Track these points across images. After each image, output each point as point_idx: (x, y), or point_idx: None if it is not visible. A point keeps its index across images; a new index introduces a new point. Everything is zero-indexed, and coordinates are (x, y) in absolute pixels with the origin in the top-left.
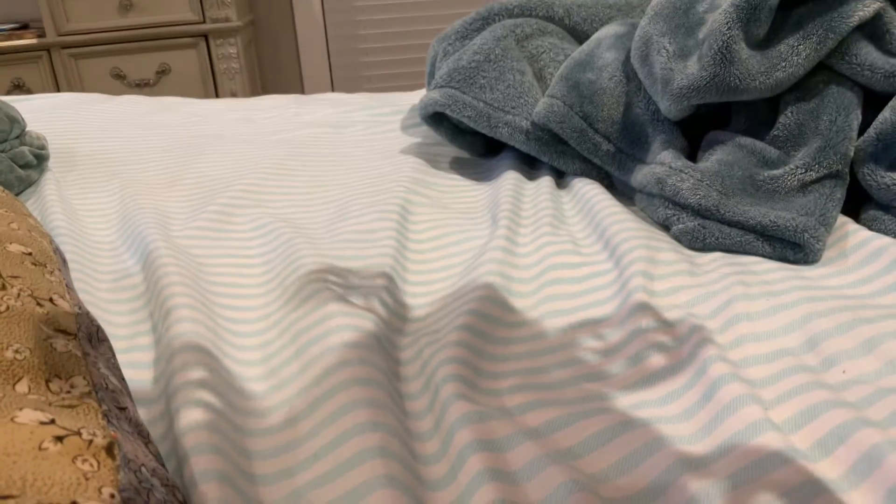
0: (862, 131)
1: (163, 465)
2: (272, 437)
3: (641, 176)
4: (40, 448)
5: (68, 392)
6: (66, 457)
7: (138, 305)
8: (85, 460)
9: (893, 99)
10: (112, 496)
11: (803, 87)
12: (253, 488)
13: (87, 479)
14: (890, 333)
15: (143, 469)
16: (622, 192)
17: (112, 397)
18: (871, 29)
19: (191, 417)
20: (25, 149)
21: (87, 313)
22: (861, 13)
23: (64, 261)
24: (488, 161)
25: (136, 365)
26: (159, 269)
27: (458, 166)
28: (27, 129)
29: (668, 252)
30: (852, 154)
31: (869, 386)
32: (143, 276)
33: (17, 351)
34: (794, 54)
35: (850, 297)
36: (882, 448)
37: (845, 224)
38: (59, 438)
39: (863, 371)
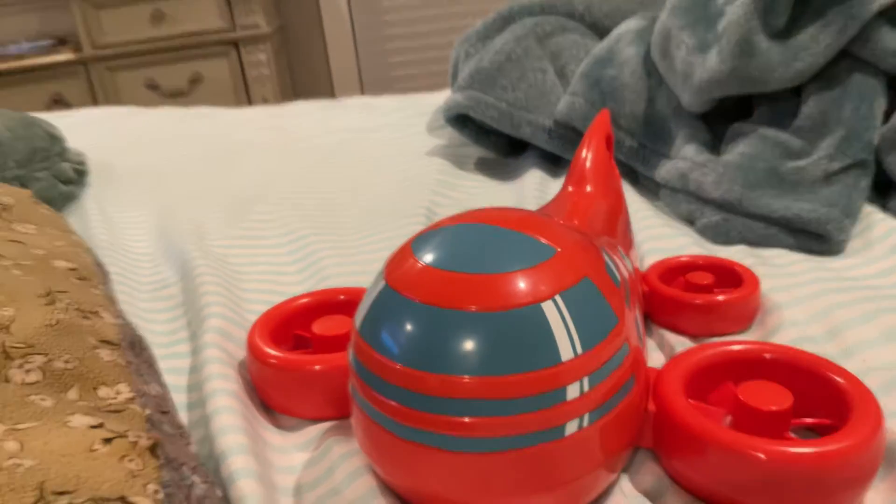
0: (887, 118)
1: (202, 465)
2: (295, 454)
3: (665, 171)
4: (91, 449)
5: (114, 398)
6: (114, 457)
7: (177, 314)
8: (131, 460)
9: None
10: (156, 491)
11: (825, 75)
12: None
13: (133, 476)
14: None
15: (183, 468)
16: (647, 187)
17: (155, 402)
18: (894, 14)
19: (223, 422)
20: (66, 165)
21: (129, 324)
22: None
23: (106, 274)
24: (513, 160)
25: (176, 371)
26: (196, 278)
27: (484, 167)
28: (67, 145)
29: (693, 247)
30: (877, 142)
31: (888, 372)
32: (181, 286)
33: (66, 361)
34: (815, 43)
35: (874, 288)
36: None
37: (871, 213)
38: (108, 440)
39: (884, 360)
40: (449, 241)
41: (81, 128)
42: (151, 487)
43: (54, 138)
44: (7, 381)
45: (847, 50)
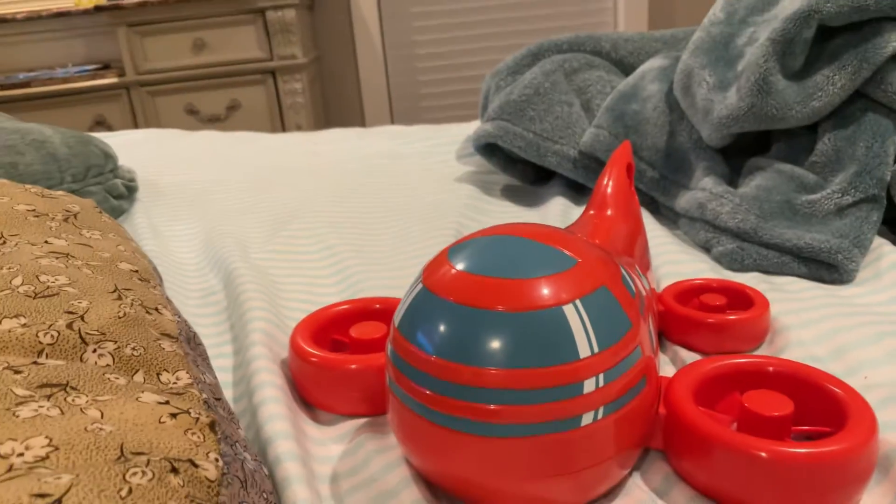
0: None
1: (251, 446)
2: (332, 446)
3: (684, 201)
4: (160, 421)
5: (175, 383)
6: (179, 429)
7: (222, 319)
8: (194, 433)
9: None
10: (217, 460)
11: (840, 114)
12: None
13: (196, 446)
14: None
15: (237, 445)
16: (666, 216)
17: (209, 389)
18: None
19: (271, 410)
20: (118, 181)
21: (185, 321)
22: (895, 44)
23: (160, 279)
24: (539, 188)
25: (223, 369)
26: (239, 286)
27: (510, 193)
28: (119, 163)
29: (708, 273)
30: (888, 178)
31: (889, 388)
32: (226, 294)
33: (133, 349)
34: (830, 84)
35: (881, 314)
36: (894, 453)
37: (882, 245)
38: (174, 415)
39: (886, 378)
40: (481, 250)
41: (129, 147)
42: (213, 456)
43: (108, 156)
44: (83, 361)
45: (861, 91)
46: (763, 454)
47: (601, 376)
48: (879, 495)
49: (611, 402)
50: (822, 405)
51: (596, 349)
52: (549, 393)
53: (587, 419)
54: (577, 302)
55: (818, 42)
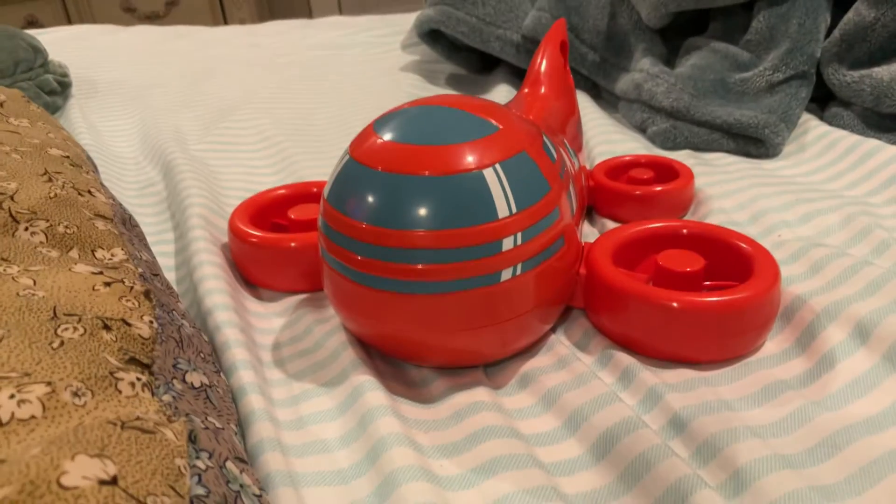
0: (829, 34)
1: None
2: (274, 319)
3: (623, 83)
4: (93, 289)
5: (110, 259)
6: (113, 296)
7: (162, 209)
8: (128, 300)
9: (857, 2)
10: (150, 322)
11: None
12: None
13: (130, 310)
14: (828, 209)
15: (174, 312)
16: (607, 100)
17: (146, 265)
18: None
19: (210, 286)
20: (49, 76)
21: (120, 204)
22: None
23: (95, 167)
24: (484, 77)
25: (165, 254)
26: (177, 175)
27: (454, 82)
28: (49, 58)
29: (642, 151)
30: (818, 55)
31: (798, 244)
32: (165, 184)
33: (66, 227)
34: None
35: (800, 184)
36: (797, 302)
37: (808, 120)
38: (108, 284)
39: (796, 236)
40: (406, 120)
41: (61, 44)
42: (146, 318)
43: (37, 50)
44: (14, 238)
45: None
46: (674, 304)
47: (518, 235)
48: (782, 340)
49: (528, 259)
50: (731, 261)
51: (514, 210)
52: (470, 251)
53: (506, 275)
54: (497, 166)
55: None
